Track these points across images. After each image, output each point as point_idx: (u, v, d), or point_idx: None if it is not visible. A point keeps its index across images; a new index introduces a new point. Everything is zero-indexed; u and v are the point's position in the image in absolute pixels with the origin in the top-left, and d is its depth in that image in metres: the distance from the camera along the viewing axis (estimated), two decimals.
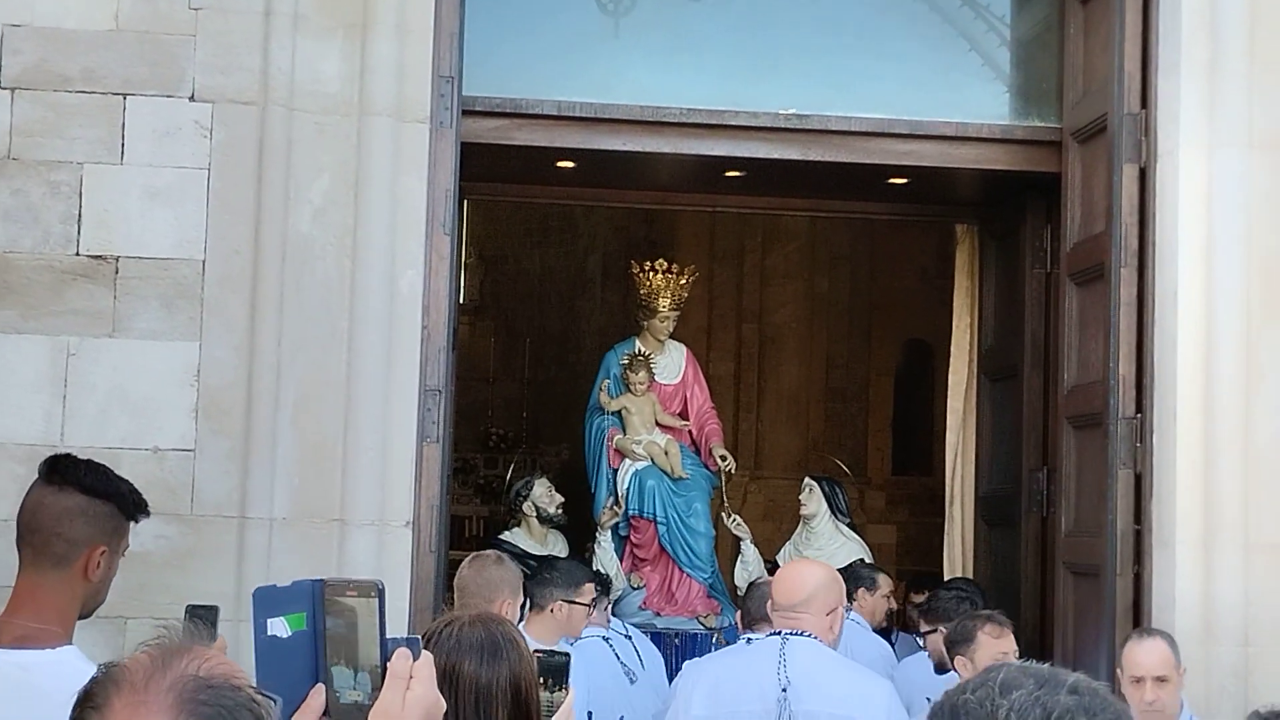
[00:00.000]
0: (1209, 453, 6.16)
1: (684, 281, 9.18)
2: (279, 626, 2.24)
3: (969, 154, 7.30)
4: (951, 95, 7.44)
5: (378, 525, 5.98)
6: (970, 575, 8.60)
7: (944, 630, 6.06)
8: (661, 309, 9.10)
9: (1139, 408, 6.33)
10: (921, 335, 17.30)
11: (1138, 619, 6.24)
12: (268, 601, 2.25)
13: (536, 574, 6.09)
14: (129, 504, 3.70)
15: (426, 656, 2.29)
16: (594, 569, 8.32)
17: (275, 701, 1.92)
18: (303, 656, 2.22)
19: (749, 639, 4.68)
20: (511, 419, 18.88)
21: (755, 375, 17.37)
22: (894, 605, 8.15)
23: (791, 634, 4.37)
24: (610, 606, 8.34)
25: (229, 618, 5.77)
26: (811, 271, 17.79)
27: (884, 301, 17.75)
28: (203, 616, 3.26)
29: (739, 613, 6.82)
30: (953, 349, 8.89)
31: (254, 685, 1.88)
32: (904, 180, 8.03)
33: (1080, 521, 6.79)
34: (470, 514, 17.51)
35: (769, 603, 4.57)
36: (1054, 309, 7.52)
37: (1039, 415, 7.90)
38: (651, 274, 9.13)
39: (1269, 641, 6.05)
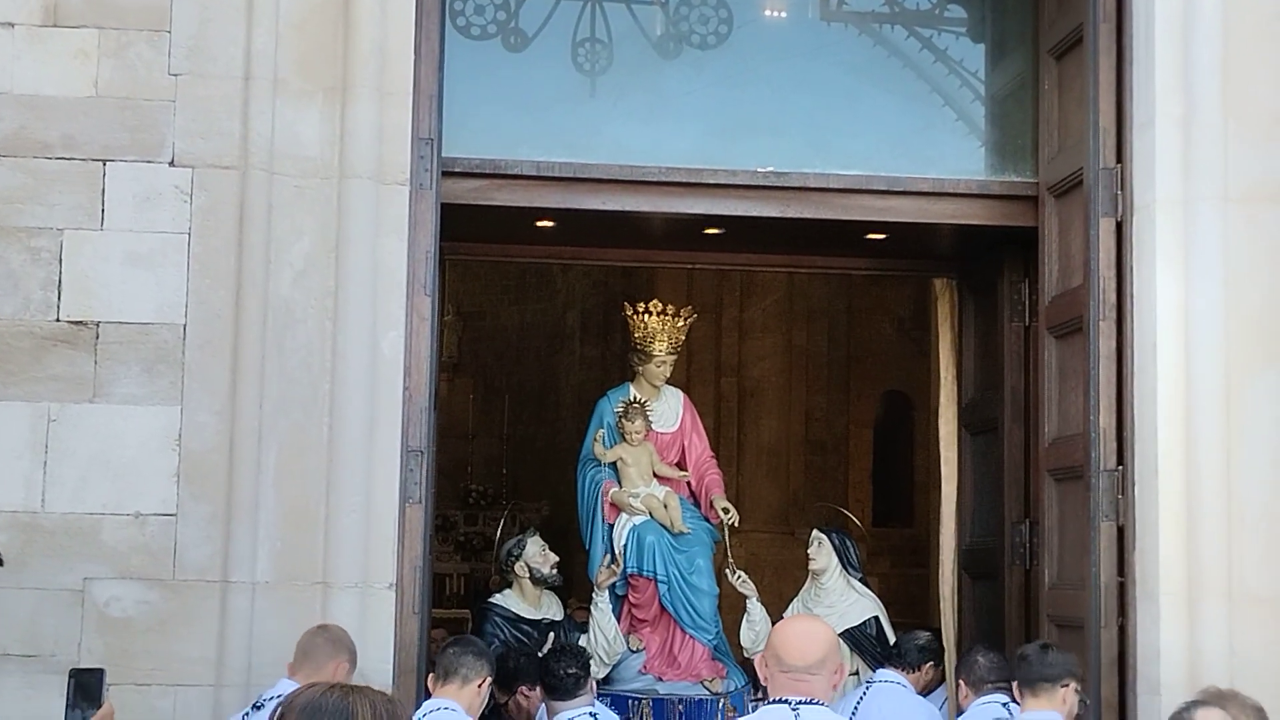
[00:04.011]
0: (1191, 504, 6.16)
1: (680, 324, 8.73)
2: None
3: (946, 209, 7.31)
4: (928, 152, 7.46)
5: (361, 588, 5.96)
6: (955, 628, 8.55)
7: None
8: (657, 353, 8.63)
9: (1120, 460, 6.34)
10: (899, 387, 17.36)
11: (1123, 672, 6.23)
12: None
13: (457, 647, 5.95)
14: None
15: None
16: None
17: None
18: None
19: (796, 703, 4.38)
20: (491, 475, 18.85)
21: (735, 429, 17.37)
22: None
23: (803, 702, 4.24)
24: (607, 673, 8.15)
25: (210, 683, 5.79)
26: (789, 325, 17.84)
27: (861, 354, 17.81)
28: (87, 681, 3.16)
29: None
30: (942, 400, 8.79)
31: None
32: (882, 235, 8.04)
33: (1063, 574, 6.78)
34: (451, 571, 17.47)
35: (773, 660, 4.36)
36: (1033, 362, 7.53)
37: (1020, 468, 7.88)
38: (646, 316, 8.68)
39: (1254, 693, 6.00)
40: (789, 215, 7.23)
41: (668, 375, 8.74)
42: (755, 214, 7.24)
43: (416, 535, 6.15)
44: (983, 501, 8.40)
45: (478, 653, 5.84)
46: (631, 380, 8.82)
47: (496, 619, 8.11)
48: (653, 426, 8.62)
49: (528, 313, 19.24)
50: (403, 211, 6.11)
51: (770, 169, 7.13)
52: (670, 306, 8.79)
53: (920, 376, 15.08)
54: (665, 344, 8.65)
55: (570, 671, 6.19)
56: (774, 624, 8.15)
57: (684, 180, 7.10)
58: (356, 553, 5.96)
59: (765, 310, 17.79)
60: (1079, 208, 6.63)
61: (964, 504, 8.65)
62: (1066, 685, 5.67)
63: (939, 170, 7.32)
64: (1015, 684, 5.78)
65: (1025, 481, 7.83)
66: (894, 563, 16.69)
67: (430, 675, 5.91)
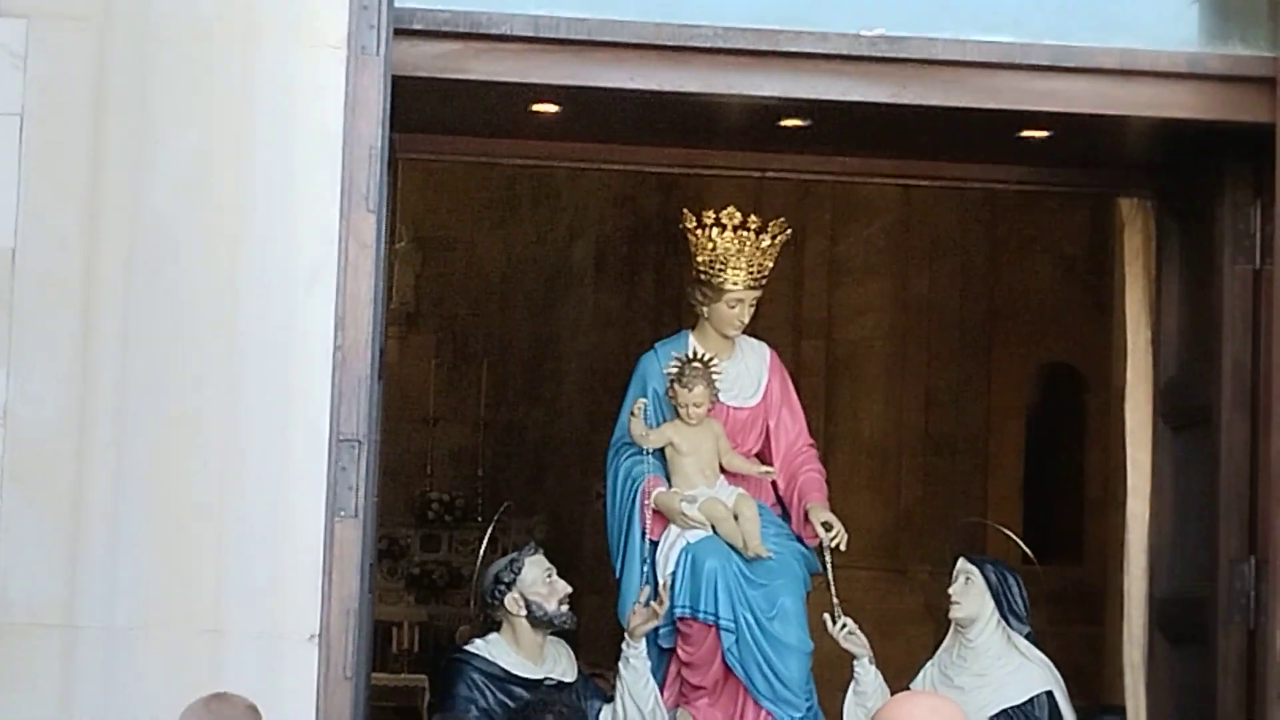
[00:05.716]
0: None
1: (767, 244, 8.49)
2: None
3: (1140, 96, 7.31)
4: (1115, 11, 7.47)
5: (269, 638, 6.04)
6: (1144, 709, 8.56)
7: None
8: (732, 286, 8.40)
9: None
10: (1065, 358, 17.36)
11: None
12: None
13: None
14: None
15: None
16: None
17: None
18: None
19: None
20: (461, 479, 18.93)
21: (821, 416, 17.36)
22: None
23: None
24: None
25: None
26: (904, 265, 17.84)
27: (1010, 309, 17.81)
28: None
29: None
30: (1129, 379, 8.78)
31: None
32: (1044, 133, 8.05)
33: None
34: (401, 618, 17.53)
35: None
36: (1265, 324, 7.53)
37: (1244, 480, 7.88)
38: (715, 231, 8.49)
39: None
40: (904, 101, 7.23)
41: (745, 321, 8.54)
42: (855, 99, 7.25)
43: (350, 564, 6.20)
44: (1187, 529, 8.42)
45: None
46: (692, 328, 8.68)
47: (474, 677, 7.89)
48: (721, 397, 8.45)
49: (517, 242, 19.27)
50: (337, 87, 6.15)
51: (879, 32, 7.12)
52: (753, 218, 8.54)
53: (1097, 343, 15.07)
54: (744, 273, 8.44)
55: None
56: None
57: (750, 47, 7.10)
58: (262, 588, 6.03)
59: (869, 243, 17.80)
60: None
61: (1160, 532, 8.66)
62: None
63: (1130, 38, 7.30)
64: None
65: (1251, 500, 7.83)
66: (1054, 616, 16.66)
67: None
